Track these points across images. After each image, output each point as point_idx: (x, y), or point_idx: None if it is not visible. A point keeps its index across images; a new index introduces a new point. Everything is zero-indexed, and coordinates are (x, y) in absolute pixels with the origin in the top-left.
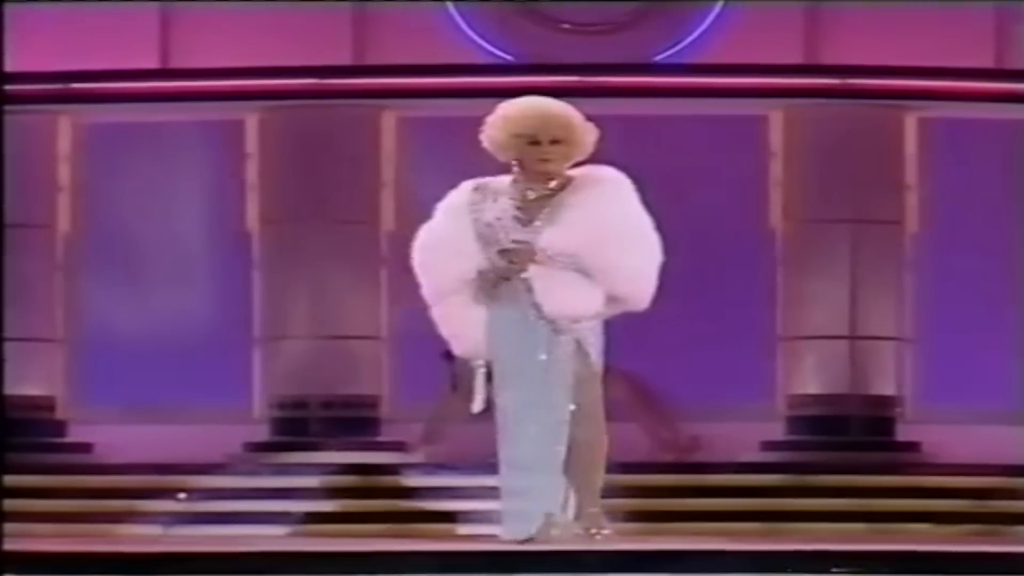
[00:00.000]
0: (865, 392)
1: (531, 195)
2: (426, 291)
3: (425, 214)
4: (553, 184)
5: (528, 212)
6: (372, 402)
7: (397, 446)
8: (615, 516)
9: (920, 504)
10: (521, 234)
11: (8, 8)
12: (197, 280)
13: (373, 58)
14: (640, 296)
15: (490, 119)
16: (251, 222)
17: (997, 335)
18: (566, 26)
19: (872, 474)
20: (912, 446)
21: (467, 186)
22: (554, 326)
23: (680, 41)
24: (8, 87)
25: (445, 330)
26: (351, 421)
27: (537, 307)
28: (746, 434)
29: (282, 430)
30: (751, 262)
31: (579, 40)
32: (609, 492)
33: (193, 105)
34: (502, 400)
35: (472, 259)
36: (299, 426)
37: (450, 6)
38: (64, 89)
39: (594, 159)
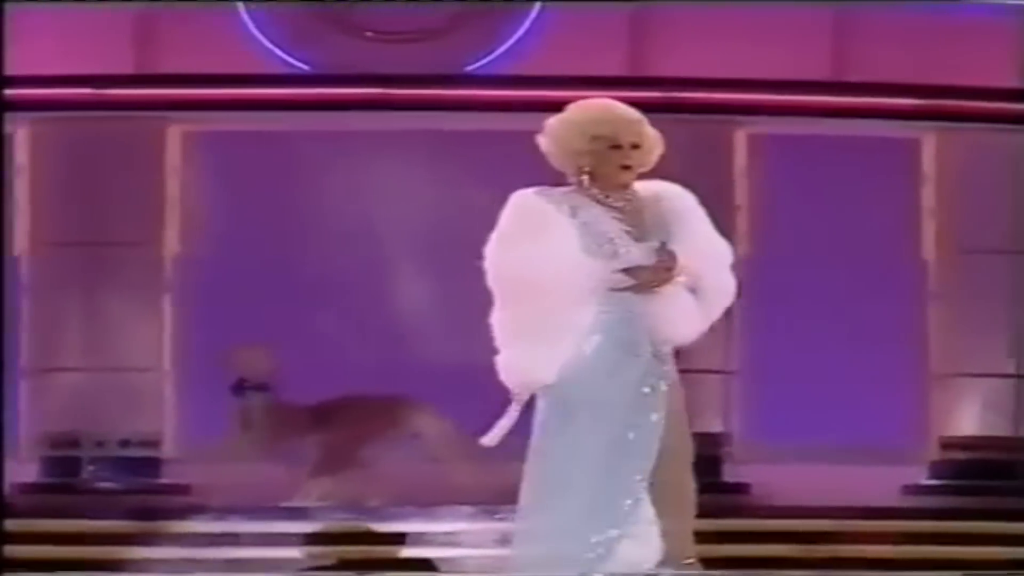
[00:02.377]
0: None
1: (625, 206)
2: (529, 322)
3: (215, 236)
4: (631, 194)
5: (631, 225)
6: (153, 440)
7: (180, 489)
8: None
9: (749, 549)
10: (639, 250)
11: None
12: None
13: (157, 67)
14: (713, 321)
15: (556, 123)
16: (21, 244)
17: (830, 367)
18: (369, 34)
19: (698, 517)
20: (741, 487)
21: (535, 196)
22: (659, 354)
23: (494, 50)
24: None
25: (536, 365)
26: (130, 461)
27: (651, 331)
28: None
29: (52, 470)
30: None
31: (384, 49)
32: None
33: None
34: (584, 440)
35: (591, 277)
36: (71, 466)
37: (242, 10)
38: None
39: (402, 176)
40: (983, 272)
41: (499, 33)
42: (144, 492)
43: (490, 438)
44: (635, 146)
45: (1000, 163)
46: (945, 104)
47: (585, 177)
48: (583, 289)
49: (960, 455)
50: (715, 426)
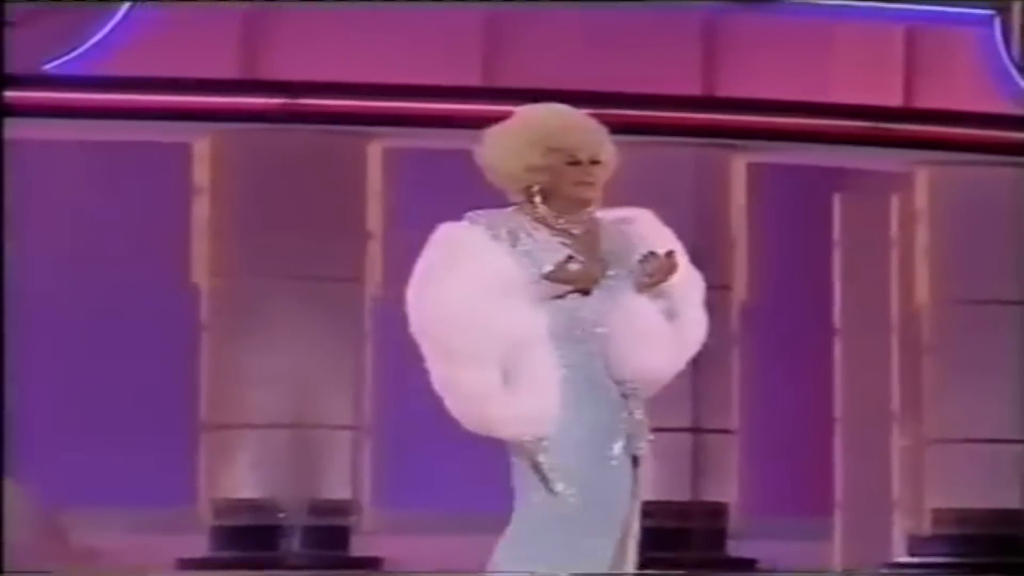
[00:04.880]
0: (313, 495)
1: (579, 229)
2: (468, 360)
3: None
4: (589, 217)
5: (582, 252)
6: None
7: None
8: None
9: None
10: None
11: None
12: None
13: None
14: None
15: (503, 134)
16: None
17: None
18: None
19: None
20: (371, 562)
21: (461, 225)
22: (628, 401)
23: (77, 47)
24: None
25: (528, 414)
26: None
27: (613, 368)
28: (163, 548)
29: None
30: (170, 324)
31: None
32: None
33: None
34: (550, 508)
35: (535, 313)
36: None
37: None
38: None
39: None
40: None
41: (84, 29)
42: None
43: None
44: (595, 161)
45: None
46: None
47: (538, 197)
48: (538, 327)
49: None
50: (343, 492)
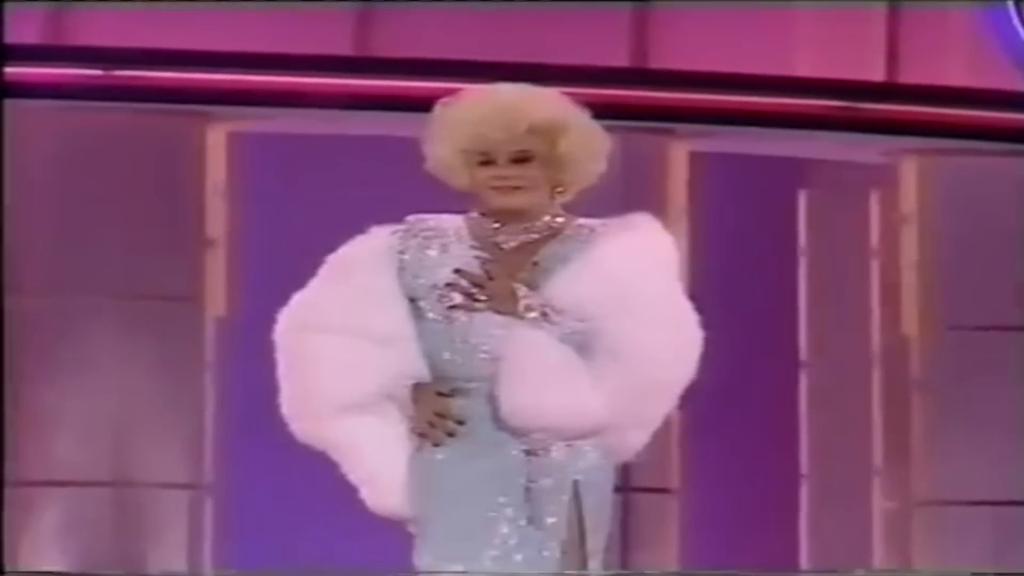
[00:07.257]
0: (138, 569)
1: (511, 243)
2: (310, 399)
3: None
4: (543, 226)
5: (508, 269)
6: None
7: None
8: None
9: None
10: (491, 306)
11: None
12: None
13: None
14: (668, 403)
15: (430, 124)
16: None
17: None
18: None
19: None
20: None
21: (377, 235)
22: (538, 459)
23: None
24: None
25: (351, 465)
26: None
27: (504, 421)
28: None
29: None
30: None
31: None
32: None
33: None
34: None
35: (401, 342)
36: None
37: None
38: None
39: None
40: None
41: None
42: None
43: None
44: (520, 160)
45: None
46: None
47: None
48: (400, 365)
49: None
50: None
